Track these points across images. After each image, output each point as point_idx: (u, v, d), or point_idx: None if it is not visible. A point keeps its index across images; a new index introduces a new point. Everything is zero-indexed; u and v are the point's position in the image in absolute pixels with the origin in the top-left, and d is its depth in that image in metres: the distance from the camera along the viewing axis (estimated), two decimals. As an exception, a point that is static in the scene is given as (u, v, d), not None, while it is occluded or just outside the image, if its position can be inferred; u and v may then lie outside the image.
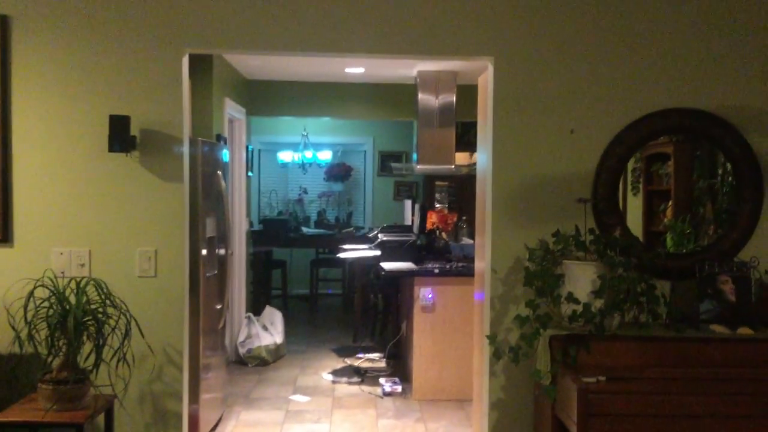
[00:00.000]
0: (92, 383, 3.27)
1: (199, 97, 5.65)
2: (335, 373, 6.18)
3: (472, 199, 4.39)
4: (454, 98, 6.59)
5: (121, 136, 3.46)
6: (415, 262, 5.89)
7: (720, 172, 3.86)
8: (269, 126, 9.77)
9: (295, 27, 3.59)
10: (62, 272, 3.45)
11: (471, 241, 6.48)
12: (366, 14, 3.60)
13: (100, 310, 3.28)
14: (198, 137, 4.54)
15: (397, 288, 6.56)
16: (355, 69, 6.95)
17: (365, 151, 10.50)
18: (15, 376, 3.44)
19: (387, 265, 5.86)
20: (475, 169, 4.64)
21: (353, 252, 6.95)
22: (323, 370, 6.29)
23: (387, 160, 10.20)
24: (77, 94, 3.55)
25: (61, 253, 3.57)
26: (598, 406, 2.94)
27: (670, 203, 3.99)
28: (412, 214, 7.29)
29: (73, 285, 3.28)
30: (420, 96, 6.61)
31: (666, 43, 3.63)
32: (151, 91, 3.56)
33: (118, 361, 3.30)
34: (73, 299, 3.24)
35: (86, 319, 3.23)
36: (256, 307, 7.60)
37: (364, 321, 7.44)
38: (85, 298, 3.26)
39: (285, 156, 10.17)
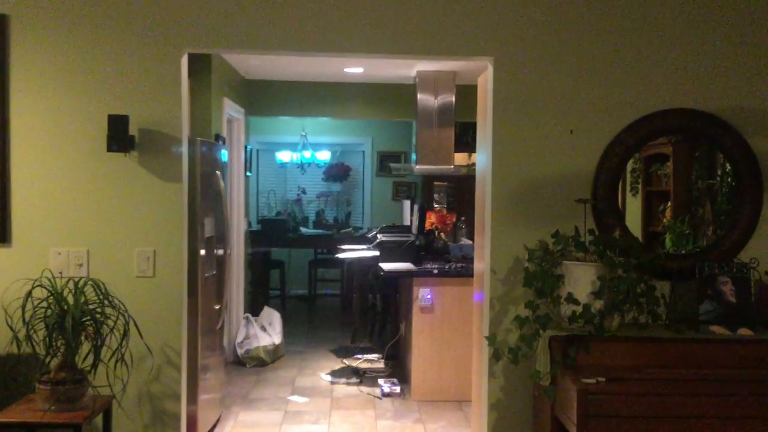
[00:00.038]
0: (90, 384, 3.26)
1: (198, 96, 5.64)
2: (334, 373, 6.17)
3: (471, 199, 4.39)
4: (454, 98, 6.58)
5: (119, 135, 3.45)
6: (414, 263, 5.89)
7: (719, 172, 3.86)
8: (268, 126, 9.77)
9: (294, 27, 3.58)
10: (60, 272, 3.44)
11: (470, 242, 6.49)
12: (365, 14, 3.60)
13: (99, 310, 3.27)
14: (197, 137, 4.53)
15: (396, 288, 6.55)
16: (354, 69, 6.94)
17: (364, 152, 10.49)
18: (13, 376, 3.44)
19: (386, 266, 5.85)
20: (473, 169, 4.64)
21: (352, 252, 6.94)
22: (322, 370, 6.29)
23: (386, 161, 10.20)
24: (76, 93, 3.54)
25: (60, 253, 3.56)
26: (598, 407, 2.93)
27: (669, 204, 4.00)
28: (411, 215, 7.28)
29: (71, 285, 3.27)
30: (419, 96, 6.60)
31: (665, 44, 3.63)
32: (150, 90, 3.55)
33: (117, 361, 3.29)
34: (71, 299, 3.23)
35: (84, 319, 3.23)
36: (254, 307, 7.60)
37: (362, 321, 7.43)
38: (83, 299, 3.25)
39: (283, 156, 10.16)
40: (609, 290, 3.22)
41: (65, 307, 3.20)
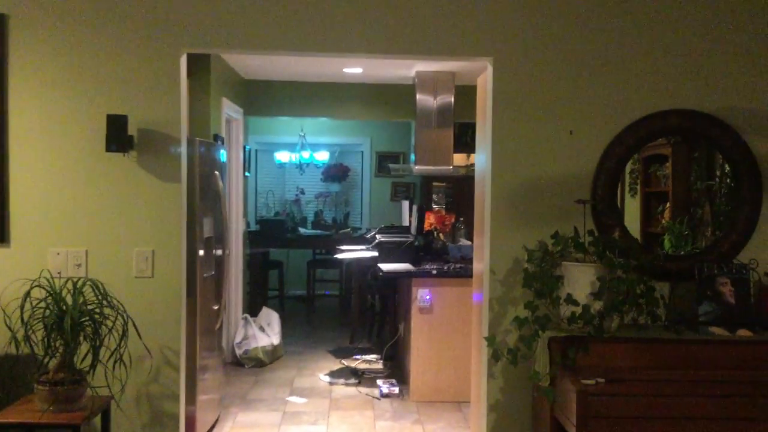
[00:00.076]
0: (89, 384, 3.26)
1: (197, 96, 5.63)
2: (332, 374, 6.17)
3: (470, 200, 4.38)
4: (453, 99, 6.58)
5: (118, 135, 3.45)
6: (413, 263, 5.88)
7: (718, 173, 3.86)
8: (266, 126, 9.76)
9: (293, 27, 3.58)
10: (59, 272, 3.44)
11: (468, 243, 6.48)
12: (364, 14, 3.59)
13: (97, 310, 3.27)
14: (195, 137, 4.52)
15: (395, 289, 6.54)
16: (353, 69, 6.94)
17: (362, 152, 10.49)
18: (11, 377, 3.43)
19: (384, 266, 5.85)
20: (472, 169, 4.63)
21: (351, 253, 6.93)
22: (320, 371, 6.28)
23: (384, 161, 10.19)
24: (75, 93, 3.54)
25: (58, 254, 3.55)
26: (597, 408, 2.93)
27: (668, 205, 3.99)
28: (410, 215, 7.28)
29: (69, 285, 3.27)
30: (418, 96, 6.60)
31: (665, 45, 3.63)
32: (149, 90, 3.55)
33: (115, 362, 3.29)
34: (69, 300, 3.22)
35: (83, 319, 3.22)
36: (252, 308, 7.59)
37: (361, 322, 7.42)
38: (81, 299, 3.24)
39: (282, 156, 10.16)
40: (608, 291, 3.22)
41: (64, 307, 3.20)
